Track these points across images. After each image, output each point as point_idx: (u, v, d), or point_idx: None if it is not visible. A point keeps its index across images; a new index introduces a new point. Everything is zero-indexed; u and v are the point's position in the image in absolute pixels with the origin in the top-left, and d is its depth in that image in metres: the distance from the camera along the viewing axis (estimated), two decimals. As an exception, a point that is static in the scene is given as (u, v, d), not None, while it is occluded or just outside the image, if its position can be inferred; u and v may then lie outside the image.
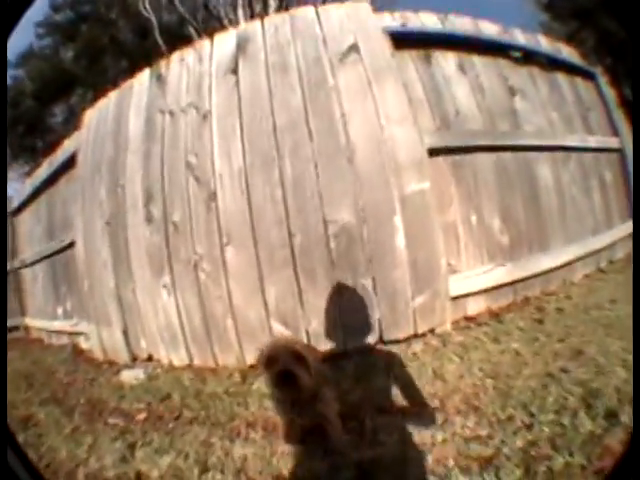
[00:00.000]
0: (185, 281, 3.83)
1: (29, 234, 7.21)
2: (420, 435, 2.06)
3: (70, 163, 5.24)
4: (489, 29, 4.44)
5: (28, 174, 7.76)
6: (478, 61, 4.24)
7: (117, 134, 4.39)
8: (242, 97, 3.66)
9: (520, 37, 4.76)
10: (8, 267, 7.93)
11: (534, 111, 4.57)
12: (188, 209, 3.77)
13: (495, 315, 3.59)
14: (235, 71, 3.73)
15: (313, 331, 3.43)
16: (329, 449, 2.05)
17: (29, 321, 7.78)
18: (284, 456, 2.16)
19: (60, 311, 6.24)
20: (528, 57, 4.59)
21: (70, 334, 6.10)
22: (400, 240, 3.38)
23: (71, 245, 5.22)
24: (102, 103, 4.72)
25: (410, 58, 3.90)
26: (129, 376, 3.90)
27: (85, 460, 2.58)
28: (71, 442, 2.85)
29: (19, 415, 3.53)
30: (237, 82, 3.69)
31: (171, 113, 3.96)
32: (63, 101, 16.67)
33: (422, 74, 3.89)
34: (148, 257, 4.04)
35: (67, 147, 5.50)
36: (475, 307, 3.73)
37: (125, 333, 4.38)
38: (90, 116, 4.88)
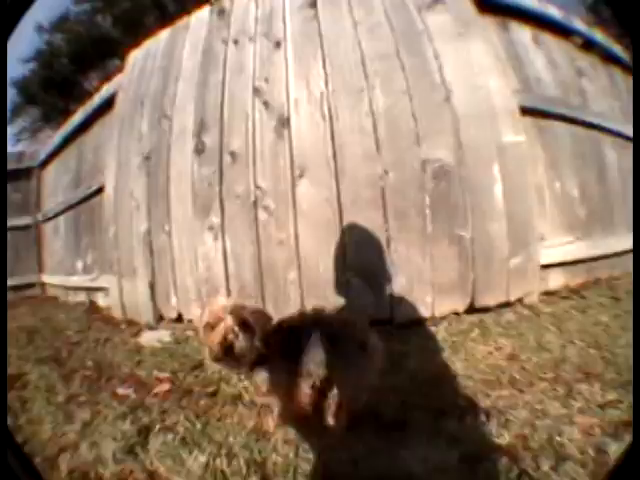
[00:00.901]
0: (238, 222, 3.34)
1: (54, 186, 6.85)
2: (551, 404, 1.75)
3: (107, 106, 4.95)
4: (554, 12, 4.14)
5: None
6: (548, 38, 4.02)
7: (168, 67, 4.02)
8: (322, 27, 3.37)
9: (581, 26, 4.48)
10: (30, 221, 7.63)
11: (599, 95, 4.31)
12: (252, 137, 3.33)
13: (574, 291, 3.27)
14: (314, 4, 3.45)
15: (400, 290, 2.99)
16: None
17: (46, 278, 7.34)
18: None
19: (80, 265, 5.92)
20: (588, 46, 4.39)
21: (88, 290, 5.64)
22: (498, 191, 3.04)
23: (99, 191, 4.91)
24: (150, 42, 4.42)
25: (489, 22, 3.58)
26: (151, 338, 3.38)
27: (73, 444, 1.91)
28: (61, 415, 2.28)
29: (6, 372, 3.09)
30: (316, 14, 3.41)
31: (235, 42, 3.63)
32: (100, 67, 16.22)
33: (502, 39, 3.60)
34: (193, 194, 3.55)
35: (106, 91, 5.11)
36: (555, 281, 3.40)
37: (152, 286, 3.88)
38: (135, 56, 4.55)
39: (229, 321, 1.60)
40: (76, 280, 5.75)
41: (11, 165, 7.61)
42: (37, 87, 18.27)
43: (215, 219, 3.40)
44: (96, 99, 5.37)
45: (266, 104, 3.30)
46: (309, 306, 2.91)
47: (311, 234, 3.09)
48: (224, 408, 2.10)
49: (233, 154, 3.37)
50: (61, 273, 6.60)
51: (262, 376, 1.82)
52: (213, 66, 3.65)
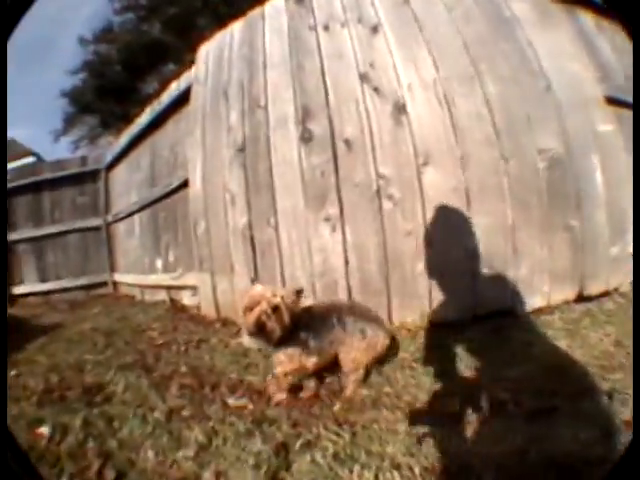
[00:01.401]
0: (360, 212, 3.15)
1: (125, 186, 6.74)
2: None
3: (180, 103, 4.90)
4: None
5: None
6: (607, 25, 3.80)
7: (251, 56, 3.84)
8: (416, 12, 3.28)
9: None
10: (99, 222, 7.63)
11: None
12: (367, 124, 3.17)
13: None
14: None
15: (522, 278, 2.95)
16: None
17: (119, 277, 7.24)
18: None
19: (159, 264, 5.75)
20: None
21: (169, 289, 5.47)
22: (599, 179, 3.03)
23: (180, 188, 4.83)
24: (221, 36, 4.28)
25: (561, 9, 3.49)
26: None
27: (193, 476, 1.59)
28: (164, 435, 1.93)
29: (83, 382, 2.84)
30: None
31: (326, 28, 3.48)
32: (155, 72, 16.27)
33: (574, 26, 3.50)
34: (303, 184, 3.34)
35: (175, 88, 5.02)
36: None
37: (254, 282, 3.54)
38: (206, 50, 4.39)
39: (264, 305, 1.94)
40: (156, 278, 5.57)
41: (74, 169, 7.77)
42: (91, 96, 18.49)
43: (332, 210, 3.21)
44: (165, 97, 5.28)
45: (377, 90, 3.17)
46: (437, 300, 3.03)
47: (440, 222, 2.94)
48: (365, 414, 1.94)
49: (347, 142, 3.20)
50: (137, 272, 6.46)
51: (284, 351, 2.12)
52: (305, 52, 3.50)
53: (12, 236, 7.69)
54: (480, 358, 2.34)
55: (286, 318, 1.99)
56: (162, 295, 5.66)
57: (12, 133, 17.59)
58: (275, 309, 1.95)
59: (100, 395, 2.52)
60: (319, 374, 2.29)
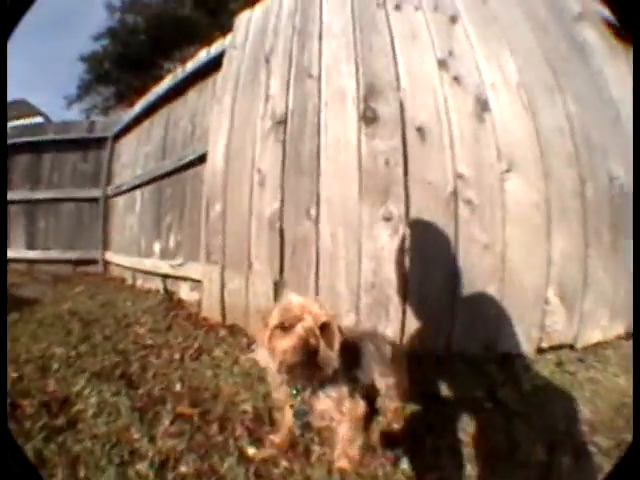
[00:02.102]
0: (430, 215, 2.67)
1: (131, 158, 6.13)
2: None
3: (207, 70, 4.46)
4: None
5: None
6: None
7: (304, 25, 3.37)
8: (495, 10, 2.98)
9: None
10: (98, 194, 6.88)
11: None
12: (445, 115, 2.75)
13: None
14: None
15: (586, 310, 2.67)
16: None
17: (111, 256, 6.44)
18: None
19: (157, 247, 5.00)
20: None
21: (166, 278, 4.71)
22: None
23: (197, 161, 4.30)
24: (268, 3, 3.79)
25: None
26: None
27: None
28: None
29: (44, 388, 2.40)
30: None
31: (397, 7, 3.07)
32: (181, 50, 15.47)
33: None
34: (361, 171, 2.78)
35: (203, 55, 4.56)
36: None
37: (277, 286, 3.06)
38: (248, 16, 3.90)
39: (309, 321, 1.33)
40: (152, 264, 4.91)
41: (80, 134, 7.02)
42: (110, 64, 17.73)
43: (394, 208, 2.68)
44: (189, 65, 4.80)
45: (457, 80, 2.79)
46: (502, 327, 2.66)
47: (519, 241, 2.62)
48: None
49: (421, 130, 2.73)
50: (132, 253, 5.70)
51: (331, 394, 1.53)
52: (371, 28, 3.06)
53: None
54: (551, 396, 2.12)
55: (337, 344, 1.40)
56: (156, 284, 4.91)
57: (27, 96, 16.91)
58: (324, 328, 1.37)
59: (63, 415, 2.02)
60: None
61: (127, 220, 6.08)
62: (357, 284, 2.72)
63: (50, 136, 7.12)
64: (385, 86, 2.83)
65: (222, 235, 3.43)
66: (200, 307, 3.68)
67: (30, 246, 7.10)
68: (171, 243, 4.79)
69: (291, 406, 1.54)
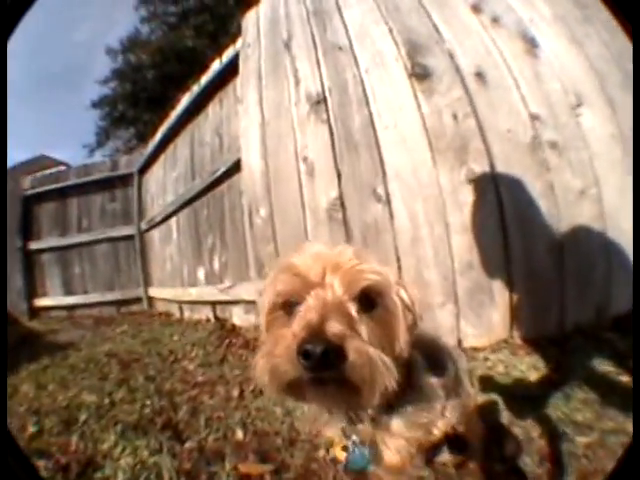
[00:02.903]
0: (517, 168, 2.36)
1: (160, 187, 5.89)
2: None
3: (223, 79, 4.23)
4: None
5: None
6: None
7: (317, 4, 3.16)
8: None
9: None
10: (132, 231, 6.56)
11: None
12: (500, 57, 2.47)
13: None
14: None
15: None
16: None
17: (154, 291, 6.09)
18: None
19: (202, 274, 4.57)
20: None
21: (215, 305, 4.28)
22: None
23: (229, 171, 3.94)
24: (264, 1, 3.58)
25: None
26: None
27: None
28: None
29: (66, 447, 1.97)
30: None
31: None
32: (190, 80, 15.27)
33: None
34: (427, 133, 2.46)
35: (216, 65, 4.31)
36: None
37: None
38: (255, 13, 3.65)
39: (335, 289, 0.73)
40: (198, 292, 4.48)
41: (104, 173, 6.75)
42: (125, 105, 17.69)
43: (477, 165, 2.33)
44: (204, 79, 4.52)
45: (496, 21, 2.55)
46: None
47: (609, 180, 2.29)
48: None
49: (480, 75, 2.45)
50: (175, 285, 5.32)
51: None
52: None
53: (35, 245, 6.87)
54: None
55: (402, 335, 0.78)
56: (206, 312, 4.46)
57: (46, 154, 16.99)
58: (368, 304, 0.76)
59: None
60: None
61: (166, 251, 5.72)
62: (450, 267, 2.34)
63: (73, 180, 6.90)
64: (427, 40, 2.58)
65: (273, 242, 2.97)
66: (258, 330, 3.18)
67: (68, 292, 6.85)
68: (216, 266, 4.36)
69: (343, 448, 0.93)
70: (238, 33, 3.86)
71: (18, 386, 2.94)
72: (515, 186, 2.26)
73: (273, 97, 3.17)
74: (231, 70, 3.89)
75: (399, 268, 2.41)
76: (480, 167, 2.30)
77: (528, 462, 1.35)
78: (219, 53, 4.38)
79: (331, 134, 2.73)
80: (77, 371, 3.18)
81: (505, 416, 1.63)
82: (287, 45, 3.16)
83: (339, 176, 2.68)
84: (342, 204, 2.66)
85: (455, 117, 2.37)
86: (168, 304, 5.59)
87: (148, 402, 2.36)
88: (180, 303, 5.14)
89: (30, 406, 2.50)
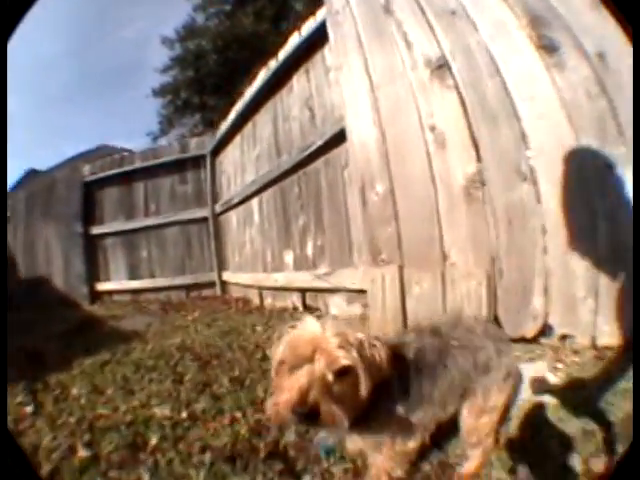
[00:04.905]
0: None
1: (237, 168, 5.59)
2: None
3: (307, 51, 3.86)
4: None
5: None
6: None
7: None
8: None
9: None
10: (206, 213, 6.27)
11: None
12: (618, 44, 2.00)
13: None
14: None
15: None
16: None
17: (229, 276, 5.81)
18: None
19: (289, 258, 4.21)
20: None
21: (305, 292, 3.85)
22: None
23: (329, 145, 3.50)
24: None
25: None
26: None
27: None
28: None
29: None
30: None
31: None
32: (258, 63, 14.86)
33: None
34: (565, 109, 2.17)
35: (295, 39, 3.96)
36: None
37: (490, 281, 2.28)
38: None
39: (320, 366, 1.00)
40: (284, 278, 4.17)
41: (173, 156, 6.46)
42: (189, 92, 17.43)
43: (616, 150, 2.00)
44: (282, 54, 4.18)
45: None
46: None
47: None
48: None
49: (601, 56, 2.09)
50: (257, 270, 4.99)
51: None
52: None
53: (97, 230, 6.72)
54: None
55: (364, 388, 1.02)
56: (292, 300, 4.14)
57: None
58: (342, 373, 1.00)
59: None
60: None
61: (245, 234, 5.40)
62: (596, 257, 2.00)
63: (139, 164, 6.67)
64: (545, 13, 2.23)
65: (395, 223, 2.50)
66: (366, 324, 2.80)
67: (133, 276, 6.67)
68: (309, 249, 3.97)
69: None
70: (318, 6, 3.56)
71: (68, 386, 2.48)
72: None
73: (382, 62, 2.81)
74: (315, 41, 3.63)
75: (545, 251, 2.13)
76: (617, 150, 1.97)
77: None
78: (298, 26, 4.01)
79: (462, 101, 2.38)
80: (144, 370, 2.68)
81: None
82: (387, 9, 2.82)
83: (476, 148, 2.32)
84: (482, 180, 2.30)
85: (589, 95, 2.06)
86: (245, 290, 5.29)
87: (239, 415, 1.89)
88: (261, 289, 4.79)
89: (82, 417, 2.00)
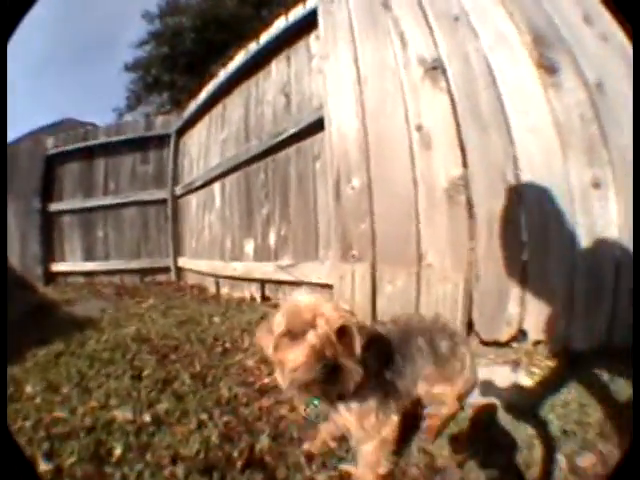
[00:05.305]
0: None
1: (203, 149, 5.33)
2: None
3: (292, 35, 3.71)
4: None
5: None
6: None
7: None
8: None
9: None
10: (165, 195, 6.00)
11: None
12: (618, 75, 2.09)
13: None
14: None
15: None
16: None
17: (185, 262, 5.56)
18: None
19: (250, 247, 4.09)
20: None
21: (265, 283, 3.69)
22: None
23: (303, 133, 3.38)
24: None
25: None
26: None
27: None
28: None
29: None
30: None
31: None
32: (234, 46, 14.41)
33: None
34: (556, 128, 2.17)
35: (281, 23, 3.81)
36: None
37: (468, 285, 2.24)
38: None
39: (323, 327, 1.05)
40: (243, 268, 4.00)
41: (137, 133, 6.14)
42: (160, 69, 16.79)
43: (601, 173, 2.09)
44: (264, 37, 4.01)
45: (604, 38, 2.18)
46: None
47: None
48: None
49: (600, 86, 2.12)
50: (214, 257, 4.79)
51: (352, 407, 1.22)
52: None
53: (55, 206, 6.35)
54: None
55: (358, 348, 1.10)
56: (250, 291, 3.98)
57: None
58: (341, 332, 1.06)
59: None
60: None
61: (205, 219, 5.18)
62: (571, 267, 2.05)
63: (102, 139, 6.33)
64: (550, 36, 2.22)
65: (369, 219, 2.40)
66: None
67: (88, 258, 6.35)
68: (271, 240, 3.80)
69: (305, 411, 1.34)
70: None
71: (22, 383, 2.25)
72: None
73: (372, 56, 2.70)
74: (301, 28, 3.52)
75: (524, 268, 2.11)
76: (604, 175, 2.03)
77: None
78: (285, 11, 3.85)
79: (453, 105, 2.32)
80: (99, 364, 2.47)
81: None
82: (386, 5, 2.71)
83: (463, 151, 2.25)
84: (466, 184, 2.23)
85: (582, 118, 2.08)
86: (201, 277, 5.08)
87: (205, 417, 1.74)
88: (217, 278, 4.59)
89: (38, 420, 1.78)
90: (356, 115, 2.68)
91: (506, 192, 2.14)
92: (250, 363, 2.32)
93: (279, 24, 3.81)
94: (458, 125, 2.28)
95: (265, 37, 4.02)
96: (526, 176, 2.11)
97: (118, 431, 1.66)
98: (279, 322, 1.11)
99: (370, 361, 1.18)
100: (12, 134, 8.19)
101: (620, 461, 1.04)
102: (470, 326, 2.19)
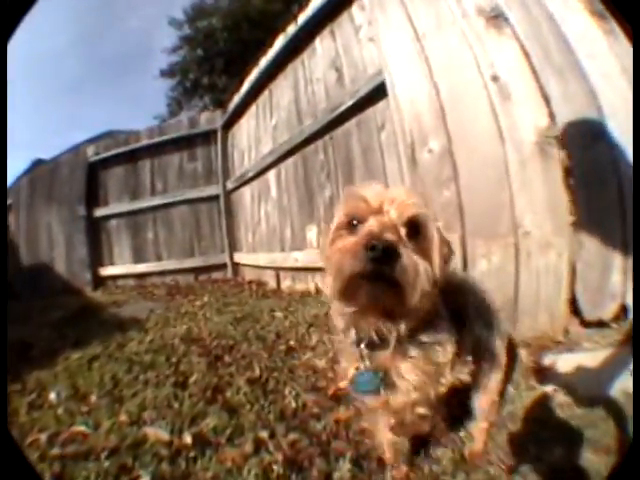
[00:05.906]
0: None
1: (254, 138, 5.17)
2: None
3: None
4: None
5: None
6: None
7: None
8: None
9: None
10: (216, 191, 5.88)
11: None
12: None
13: None
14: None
15: None
16: None
17: (242, 257, 5.45)
18: None
19: (313, 233, 3.91)
20: None
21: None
22: None
23: (363, 103, 3.13)
24: None
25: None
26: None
27: None
28: None
29: None
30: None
31: None
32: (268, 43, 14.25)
33: None
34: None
35: (316, 2, 3.67)
36: None
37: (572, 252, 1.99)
38: None
39: (391, 214, 0.86)
40: (305, 257, 3.85)
41: (181, 132, 6.07)
42: (198, 72, 16.84)
43: None
44: (302, 18, 3.88)
45: None
46: None
47: None
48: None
49: None
50: (273, 249, 4.62)
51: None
52: None
53: (101, 212, 6.37)
54: None
55: (437, 256, 0.87)
56: (316, 282, 3.75)
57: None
58: (413, 226, 0.86)
59: None
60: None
61: (260, 210, 5.01)
62: None
63: (145, 142, 6.29)
64: None
65: (454, 186, 2.18)
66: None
67: (138, 260, 6.32)
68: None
69: (356, 368, 0.96)
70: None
71: (46, 387, 2.05)
72: None
73: (426, 11, 2.46)
74: (340, 2, 3.40)
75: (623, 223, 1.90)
76: None
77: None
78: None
79: (524, 51, 2.11)
80: (138, 368, 2.21)
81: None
82: None
83: (548, 101, 2.03)
84: (562, 136, 1.99)
85: None
86: (260, 272, 4.92)
87: (265, 435, 1.39)
88: (278, 270, 4.39)
89: (55, 433, 1.53)
90: (422, 74, 2.41)
91: (598, 145, 1.94)
92: (320, 364, 2.00)
93: (315, 2, 3.65)
94: (534, 72, 2.07)
95: (303, 17, 3.87)
96: (613, 125, 1.91)
97: (148, 454, 1.35)
98: (339, 209, 0.92)
99: (439, 303, 0.98)
100: (54, 152, 8.38)
101: (620, 461, 0.97)
102: (572, 304, 1.95)
